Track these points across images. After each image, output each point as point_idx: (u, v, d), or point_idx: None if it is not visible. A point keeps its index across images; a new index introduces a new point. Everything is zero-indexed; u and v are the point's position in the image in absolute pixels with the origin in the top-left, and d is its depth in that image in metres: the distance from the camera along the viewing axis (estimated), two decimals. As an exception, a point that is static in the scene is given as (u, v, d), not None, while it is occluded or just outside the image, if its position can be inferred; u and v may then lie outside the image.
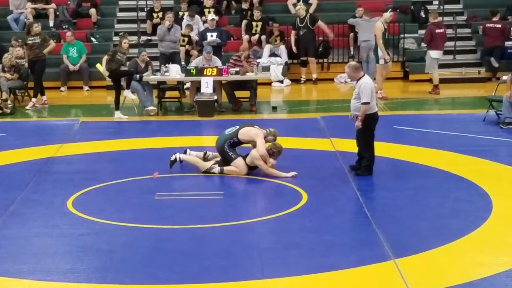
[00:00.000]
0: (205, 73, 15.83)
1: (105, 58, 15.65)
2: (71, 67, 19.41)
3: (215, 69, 15.89)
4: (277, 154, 11.08)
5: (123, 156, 12.85)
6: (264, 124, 11.92)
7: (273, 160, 11.03)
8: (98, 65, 15.83)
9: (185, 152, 11.58)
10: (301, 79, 19.87)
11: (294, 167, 11.20)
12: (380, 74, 17.41)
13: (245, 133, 11.16)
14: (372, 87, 10.77)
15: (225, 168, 11.17)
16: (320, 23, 19.57)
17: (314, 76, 19.70)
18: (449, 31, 21.25)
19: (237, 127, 11.30)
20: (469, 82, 19.35)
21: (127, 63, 16.46)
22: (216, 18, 19.67)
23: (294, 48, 19.91)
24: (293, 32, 19.91)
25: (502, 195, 9.99)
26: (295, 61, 20.41)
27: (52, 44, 17.15)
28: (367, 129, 10.79)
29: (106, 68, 15.52)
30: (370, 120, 10.79)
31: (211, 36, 18.81)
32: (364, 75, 10.91)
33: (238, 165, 11.11)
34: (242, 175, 11.08)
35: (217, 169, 11.20)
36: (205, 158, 11.53)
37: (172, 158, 11.42)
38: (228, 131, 11.28)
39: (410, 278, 7.31)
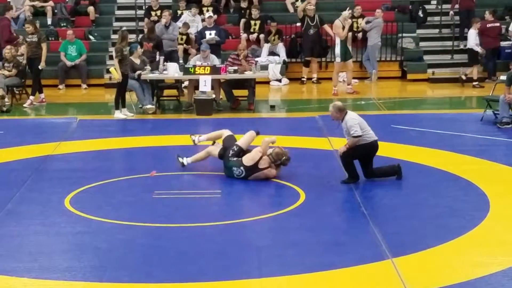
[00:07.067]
0: (197, 71, 15.75)
1: (116, 62, 15.23)
2: (68, 63, 19.39)
3: (208, 68, 15.84)
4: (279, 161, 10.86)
5: (121, 154, 12.87)
6: (262, 123, 11.86)
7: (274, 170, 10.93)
8: (112, 70, 15.62)
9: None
10: (303, 79, 19.64)
11: (292, 166, 11.19)
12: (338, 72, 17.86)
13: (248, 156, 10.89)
14: (359, 119, 10.47)
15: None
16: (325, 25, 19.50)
17: (315, 75, 19.61)
18: (447, 30, 21.35)
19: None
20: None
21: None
22: (214, 16, 19.65)
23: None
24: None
25: (499, 194, 9.99)
26: (293, 60, 20.39)
27: (44, 48, 16.93)
28: (353, 154, 10.51)
29: (121, 71, 15.15)
30: (362, 149, 10.47)
31: (210, 34, 18.79)
32: (347, 113, 10.54)
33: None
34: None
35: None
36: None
37: (181, 161, 11.40)
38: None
39: (407, 277, 7.32)
